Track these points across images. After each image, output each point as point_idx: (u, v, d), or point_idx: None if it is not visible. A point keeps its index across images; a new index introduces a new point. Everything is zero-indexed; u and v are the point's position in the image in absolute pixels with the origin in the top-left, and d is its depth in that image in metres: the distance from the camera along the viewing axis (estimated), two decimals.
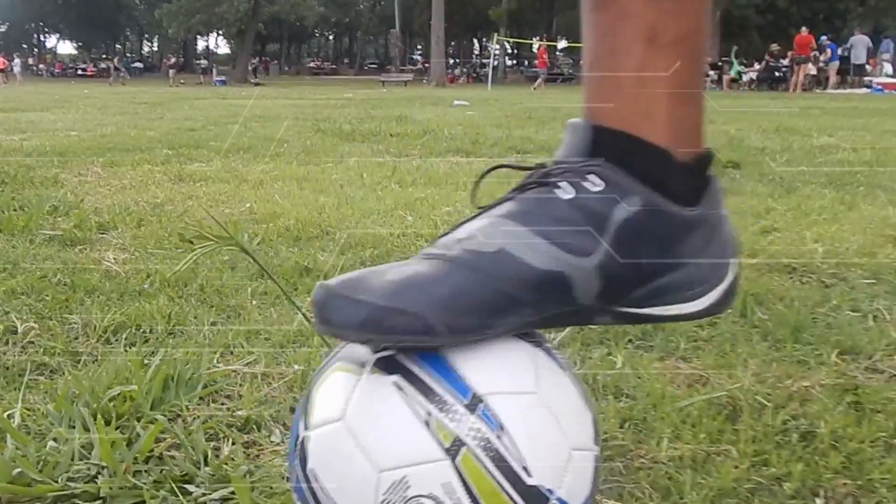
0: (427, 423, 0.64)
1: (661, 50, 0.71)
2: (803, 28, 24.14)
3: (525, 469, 0.65)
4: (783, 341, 1.42)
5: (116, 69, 37.80)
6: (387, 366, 0.67)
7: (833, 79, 23.53)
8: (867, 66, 24.28)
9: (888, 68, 24.67)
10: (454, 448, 0.64)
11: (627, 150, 0.71)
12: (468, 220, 0.73)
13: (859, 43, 24.12)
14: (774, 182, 3.36)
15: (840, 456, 0.99)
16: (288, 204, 2.71)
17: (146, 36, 78.65)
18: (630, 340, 1.43)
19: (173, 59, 37.89)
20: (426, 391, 0.66)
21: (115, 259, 1.94)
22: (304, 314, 1.41)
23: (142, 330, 1.47)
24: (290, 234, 2.24)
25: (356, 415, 0.66)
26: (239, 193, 2.99)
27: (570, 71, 38.90)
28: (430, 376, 0.67)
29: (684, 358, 1.36)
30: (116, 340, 1.41)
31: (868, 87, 21.83)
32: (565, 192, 0.71)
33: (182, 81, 34.40)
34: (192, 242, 2.18)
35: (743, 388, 1.18)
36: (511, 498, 0.64)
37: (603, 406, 1.14)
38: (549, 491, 0.65)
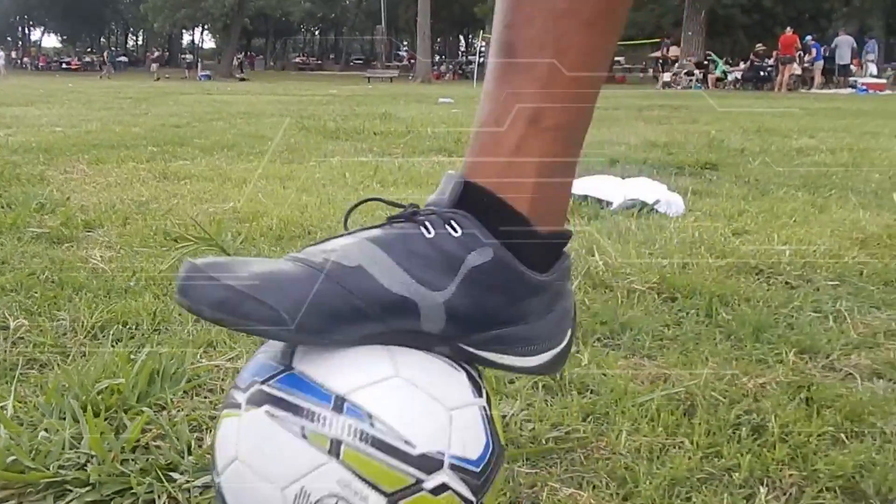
0: (304, 436, 0.71)
1: (541, 132, 0.78)
2: (788, 28, 24.31)
3: (407, 443, 0.71)
4: (744, 341, 1.48)
5: (105, 63, 37.69)
6: (257, 400, 0.74)
7: (818, 79, 23.71)
8: (852, 67, 24.47)
9: (872, 69, 24.89)
10: (334, 448, 0.71)
11: (491, 209, 0.78)
12: (337, 237, 0.79)
13: (844, 43, 24.31)
14: (749, 184, 3.44)
15: (788, 448, 1.06)
16: (271, 203, 2.75)
17: (131, 30, 78.28)
18: (598, 339, 1.49)
19: (157, 53, 37.71)
20: (294, 409, 0.72)
21: (101, 257, 1.98)
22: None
23: (128, 326, 1.51)
24: (273, 233, 2.29)
25: (247, 451, 0.74)
26: (223, 192, 3.04)
27: None
28: (293, 395, 0.73)
29: (649, 356, 1.42)
30: (104, 336, 1.46)
31: (853, 87, 22.02)
32: (427, 231, 0.77)
33: (167, 76, 34.28)
34: (176, 241, 2.24)
35: (701, 385, 1.24)
36: (404, 471, 0.71)
37: (567, 401, 1.20)
38: (440, 453, 0.72)
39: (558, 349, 0.83)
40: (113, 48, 65.51)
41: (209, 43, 76.43)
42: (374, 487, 0.70)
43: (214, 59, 53.40)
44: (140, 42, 79.34)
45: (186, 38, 76.40)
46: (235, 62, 40.57)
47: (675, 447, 1.07)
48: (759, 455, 1.04)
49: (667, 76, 24.90)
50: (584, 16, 0.76)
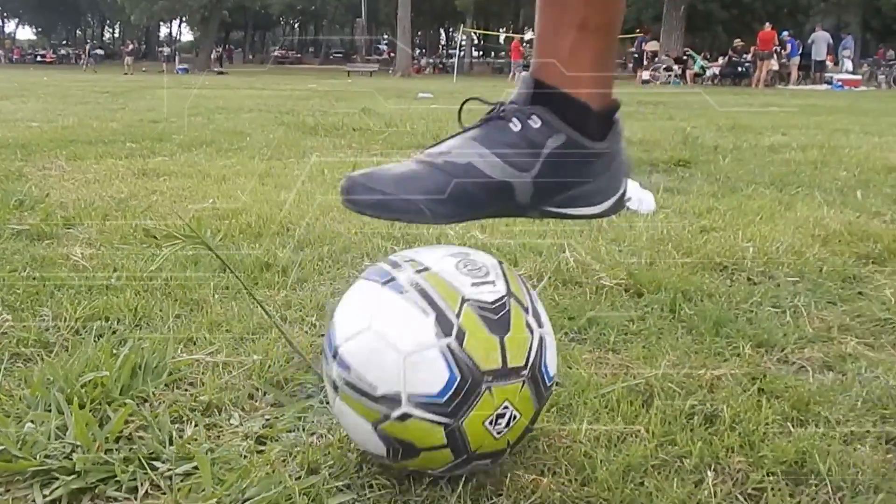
0: (325, 374, 1.01)
1: (588, 33, 1.02)
2: (767, 24, 24.49)
3: (371, 385, 0.93)
4: (705, 335, 1.55)
5: (88, 56, 37.41)
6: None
7: (794, 74, 23.92)
8: (827, 63, 24.69)
9: (848, 65, 25.14)
10: (335, 388, 0.98)
11: (559, 101, 1.02)
12: (449, 138, 1.05)
13: (820, 39, 24.52)
14: (720, 182, 3.51)
15: (737, 436, 1.12)
16: (250, 200, 2.80)
17: (108, 22, 77.50)
18: (565, 333, 1.55)
19: (130, 46, 37.37)
20: (325, 353, 1.01)
21: (82, 254, 2.02)
22: (264, 308, 1.51)
23: (109, 322, 1.56)
24: (252, 230, 2.33)
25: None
26: (202, 188, 3.07)
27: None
28: (327, 341, 1.01)
29: (613, 350, 1.48)
30: (86, 332, 1.50)
31: (829, 83, 22.24)
32: (515, 125, 1.03)
33: (143, 69, 34.01)
34: (155, 238, 2.27)
35: (659, 377, 1.31)
36: (374, 408, 0.93)
37: None
38: (397, 393, 0.92)
39: (617, 195, 1.08)
40: (89, 41, 64.92)
41: (187, 35, 75.90)
42: (362, 417, 0.95)
43: (192, 53, 53.03)
44: (117, 34, 78.61)
45: (164, 31, 75.86)
46: (214, 55, 40.29)
47: (632, 436, 1.13)
48: (709, 442, 1.10)
49: (646, 74, 25.01)
50: None
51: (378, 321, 0.95)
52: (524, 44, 27.69)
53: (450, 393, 0.91)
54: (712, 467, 1.05)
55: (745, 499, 1.00)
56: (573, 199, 1.05)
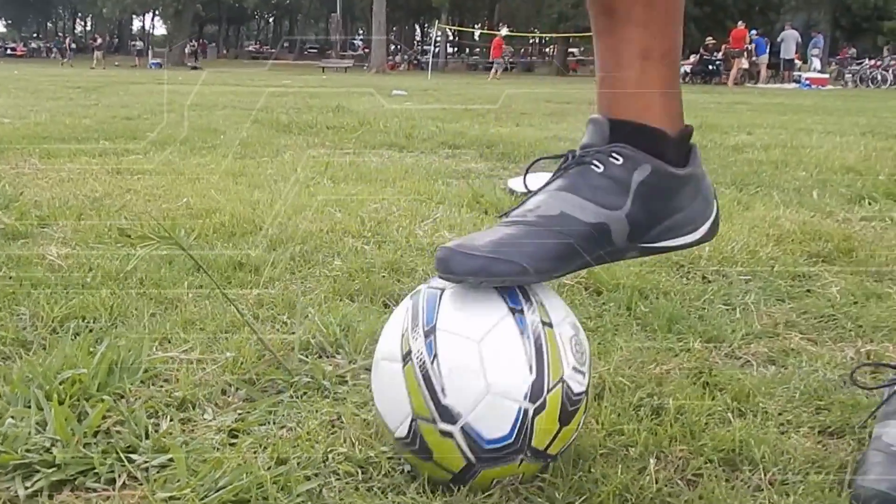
0: (403, 335, 1.01)
1: (653, 63, 1.04)
2: (740, 22, 24.75)
3: (443, 390, 0.96)
4: (658, 331, 1.63)
5: (68, 50, 36.99)
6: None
7: (764, 73, 24.21)
8: (796, 61, 25.01)
9: (816, 63, 25.47)
10: (406, 358, 1.00)
11: (636, 134, 1.04)
12: (531, 196, 1.06)
13: (789, 37, 24.83)
14: None
15: (680, 426, 1.20)
16: (223, 199, 2.84)
17: (79, 15, 76.69)
18: None
19: (99, 41, 37.04)
20: (413, 316, 1.02)
21: (57, 254, 2.06)
22: (236, 307, 1.57)
23: (86, 321, 1.61)
24: (226, 229, 2.39)
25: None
26: (176, 187, 3.12)
27: (511, 61, 39.29)
28: (423, 309, 1.02)
29: None
30: (63, 330, 1.55)
31: (797, 81, 22.53)
32: (597, 167, 1.03)
33: (116, 63, 33.71)
34: (130, 237, 2.32)
35: (611, 371, 1.39)
36: (430, 407, 0.97)
37: None
38: (459, 414, 0.96)
39: (711, 219, 1.10)
40: (60, 34, 64.20)
41: (160, 29, 75.26)
42: (410, 402, 0.98)
43: (166, 47, 52.64)
44: (89, 28, 77.81)
45: (137, 24, 75.21)
46: (188, 50, 40.02)
47: (584, 427, 1.21)
48: (654, 433, 1.18)
49: None
50: None
51: (487, 344, 0.97)
52: (505, 41, 27.82)
53: (499, 446, 0.97)
54: (655, 455, 1.13)
55: (684, 484, 1.07)
56: (668, 230, 1.06)
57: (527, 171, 1.12)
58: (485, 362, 0.96)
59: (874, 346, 1.60)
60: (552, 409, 0.98)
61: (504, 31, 39.48)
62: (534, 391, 0.97)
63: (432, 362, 0.97)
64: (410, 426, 0.99)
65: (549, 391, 0.98)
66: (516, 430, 0.97)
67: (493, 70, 26.42)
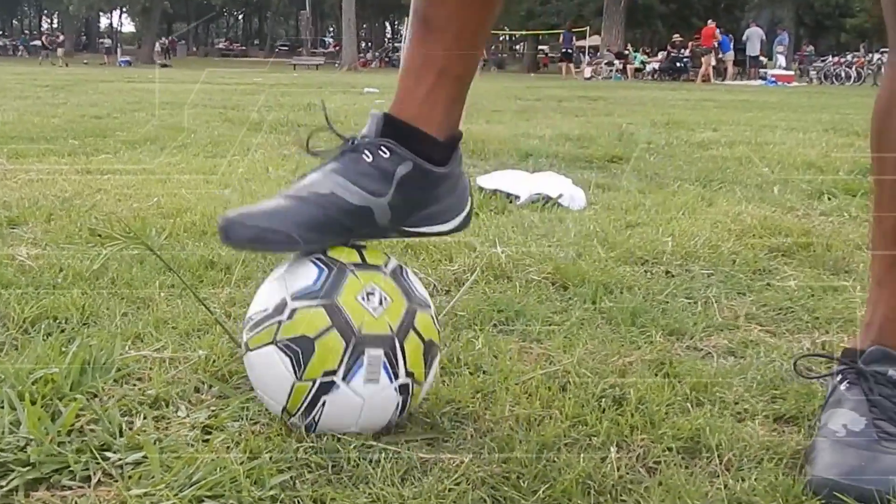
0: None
1: (446, 80, 1.18)
2: (710, 20, 25.02)
3: (264, 309, 1.16)
4: (621, 325, 1.67)
5: (47, 47, 36.40)
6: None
7: (731, 70, 24.48)
8: (761, 58, 25.31)
9: (781, 60, 25.79)
10: (247, 348, 1.19)
11: (407, 134, 1.17)
12: (308, 174, 1.19)
13: (754, 35, 25.14)
14: (649, 178, 3.67)
15: (640, 416, 1.24)
16: (194, 198, 2.85)
17: (45, 12, 75.64)
18: (494, 325, 1.67)
19: (61, 38, 36.61)
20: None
21: (27, 254, 2.07)
22: (206, 306, 1.59)
23: (58, 321, 1.62)
24: (197, 228, 2.40)
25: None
26: (146, 187, 3.12)
27: (483, 58, 39.25)
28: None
29: (537, 340, 1.60)
30: (35, 331, 1.56)
31: (763, 78, 22.81)
32: (367, 157, 1.16)
33: (84, 62, 33.30)
34: (100, 237, 2.33)
35: (575, 364, 1.43)
36: (270, 325, 1.14)
37: (460, 380, 1.37)
38: (283, 299, 1.14)
39: (464, 212, 1.26)
40: (25, 31, 63.29)
41: (129, 27, 74.45)
42: (266, 345, 1.14)
43: (135, 45, 52.06)
44: (55, 25, 76.75)
45: (104, 22, 74.33)
46: (159, 48, 39.63)
47: (548, 417, 1.24)
48: (616, 422, 1.22)
49: (588, 70, 25.38)
50: None
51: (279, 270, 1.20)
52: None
53: (321, 280, 1.13)
54: (617, 444, 1.17)
55: (645, 471, 1.11)
56: (425, 218, 1.21)
57: (307, 141, 1.24)
58: (271, 277, 1.21)
59: (830, 336, 1.65)
60: (336, 250, 1.18)
61: None
62: (316, 255, 1.19)
63: (251, 318, 1.18)
64: (282, 350, 1.13)
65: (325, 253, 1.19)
66: (321, 265, 1.16)
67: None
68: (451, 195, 1.23)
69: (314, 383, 1.12)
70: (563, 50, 27.71)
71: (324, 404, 1.13)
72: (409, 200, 1.18)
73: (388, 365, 1.13)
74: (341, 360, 1.11)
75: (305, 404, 1.14)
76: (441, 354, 1.33)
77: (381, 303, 1.14)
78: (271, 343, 1.13)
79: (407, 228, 1.21)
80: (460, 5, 1.16)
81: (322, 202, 1.13)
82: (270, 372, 1.15)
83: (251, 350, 1.17)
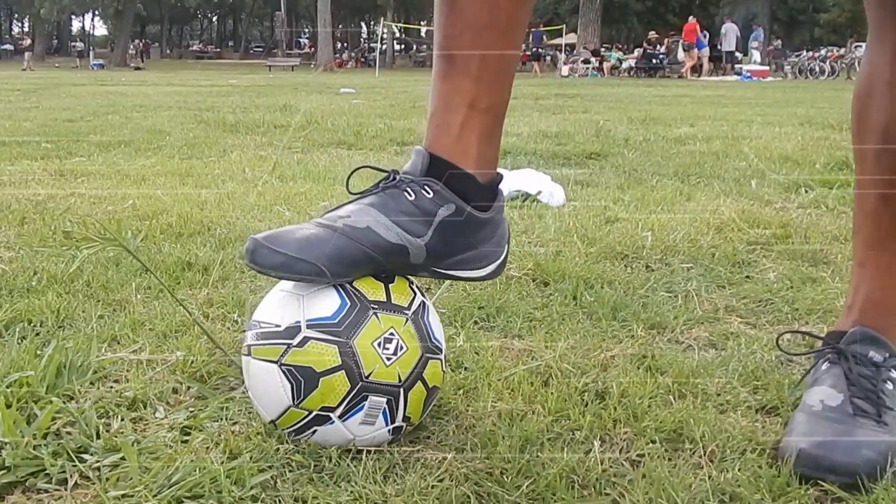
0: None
1: (477, 113, 1.14)
2: (690, 17, 25.21)
3: (276, 325, 1.11)
4: (602, 319, 1.67)
5: (29, 50, 36.03)
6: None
7: (706, 66, 24.65)
8: (737, 54, 25.52)
9: (756, 56, 26.01)
10: (248, 352, 1.14)
11: (449, 174, 1.13)
12: (347, 203, 1.15)
13: (730, 31, 25.35)
14: (628, 174, 3.67)
15: (623, 409, 1.24)
16: (170, 200, 2.83)
17: (16, 16, 74.81)
18: (475, 322, 1.66)
19: (28, 41, 36.26)
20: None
21: (0, 258, 2.04)
22: (185, 307, 1.57)
23: (33, 324, 1.60)
24: (173, 230, 2.38)
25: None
26: (122, 189, 3.09)
27: None
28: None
29: (519, 336, 1.59)
30: (9, 334, 1.54)
31: (738, 74, 23.00)
32: (409, 195, 1.12)
33: (56, 65, 32.96)
34: (75, 239, 2.30)
35: (557, 359, 1.42)
36: (277, 344, 1.10)
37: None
38: (297, 322, 1.10)
39: (499, 260, 1.21)
40: (27, 37, 62.62)
41: (101, 30, 73.81)
42: (268, 360, 1.10)
43: (107, 47, 51.61)
44: (26, 29, 75.93)
45: (76, 25, 73.67)
46: (133, 51, 39.29)
47: (531, 413, 1.24)
48: (599, 416, 1.22)
49: (565, 69, 25.50)
50: (500, 28, 1.12)
51: (279, 287, 1.17)
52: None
53: (341, 315, 1.09)
54: (600, 437, 1.17)
55: (628, 464, 1.11)
56: (461, 262, 1.17)
57: (348, 178, 1.21)
58: (289, 288, 1.15)
59: (809, 327, 1.66)
60: (362, 279, 1.14)
61: None
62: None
63: (259, 326, 1.14)
64: (285, 373, 1.09)
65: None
66: (345, 296, 1.11)
67: None
68: (489, 241, 1.18)
69: (310, 413, 1.10)
70: (533, 49, 27.85)
71: (314, 432, 1.11)
72: (447, 243, 1.14)
73: (387, 411, 1.11)
74: (342, 401, 1.08)
75: (296, 427, 1.12)
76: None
77: (396, 352, 1.10)
78: (276, 363, 1.10)
79: (440, 270, 1.16)
80: (479, 38, 1.11)
81: (356, 236, 1.09)
82: (268, 389, 1.11)
83: (254, 358, 1.13)
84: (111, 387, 1.33)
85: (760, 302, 1.81)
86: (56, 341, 1.47)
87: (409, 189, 1.12)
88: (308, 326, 1.08)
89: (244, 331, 1.23)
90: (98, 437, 1.15)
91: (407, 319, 1.12)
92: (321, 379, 1.07)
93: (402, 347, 1.10)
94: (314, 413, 1.10)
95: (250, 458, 1.09)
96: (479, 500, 1.02)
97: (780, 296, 1.84)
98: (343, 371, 1.07)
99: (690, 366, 1.41)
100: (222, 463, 1.07)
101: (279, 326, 1.10)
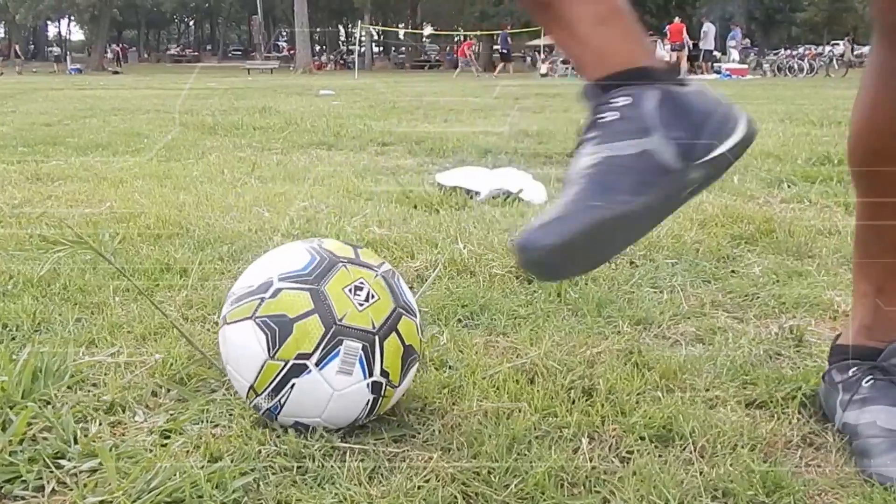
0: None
1: (609, 22, 1.04)
2: (676, 17, 25.35)
3: (249, 286, 1.17)
4: (587, 316, 1.65)
5: (17, 55, 35.80)
6: None
7: (684, 65, 24.77)
8: (715, 53, 25.67)
9: (735, 55, 26.16)
10: (225, 321, 1.18)
11: (625, 76, 1.02)
12: (579, 156, 1.03)
13: (709, 30, 25.49)
14: None
15: (611, 406, 1.22)
16: (148, 202, 2.79)
17: None
18: (459, 320, 1.64)
19: (16, 47, 36.08)
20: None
21: None
22: (161, 310, 1.54)
23: (8, 328, 1.56)
24: (151, 232, 2.34)
25: None
26: (99, 192, 3.04)
27: (437, 57, 39.41)
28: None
29: (503, 333, 1.57)
30: None
31: (717, 72, 23.13)
32: (613, 114, 1.01)
33: (34, 70, 32.65)
34: (52, 243, 2.26)
35: (542, 356, 1.40)
36: (252, 300, 1.14)
37: (427, 376, 1.34)
38: (269, 278, 1.15)
39: (741, 113, 1.06)
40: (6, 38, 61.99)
41: (78, 34, 73.24)
42: (244, 319, 1.13)
43: (84, 52, 51.22)
44: (2, 34, 75.25)
45: (53, 30, 73.08)
46: (110, 55, 38.99)
47: (517, 411, 1.22)
48: (587, 413, 1.20)
49: (544, 68, 25.62)
50: None
51: (270, 257, 1.22)
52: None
53: (311, 266, 1.14)
54: (588, 435, 1.15)
55: (618, 461, 1.09)
56: (712, 134, 1.02)
57: (578, 131, 1.09)
58: (262, 260, 1.24)
59: (796, 321, 1.65)
60: (332, 243, 1.22)
61: (428, 30, 39.56)
62: (309, 244, 1.22)
63: (234, 292, 1.19)
64: (260, 326, 1.11)
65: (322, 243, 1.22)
66: (315, 254, 1.18)
67: (458, 67, 27.24)
68: (716, 105, 1.04)
69: (286, 364, 1.09)
70: (502, 51, 28.20)
71: (292, 387, 1.10)
72: (680, 125, 1.01)
73: (364, 359, 1.10)
74: (318, 346, 1.09)
75: (274, 384, 1.11)
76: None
77: (367, 299, 1.12)
78: (250, 318, 1.12)
79: (702, 160, 1.01)
80: None
81: (603, 170, 0.99)
82: (244, 347, 1.12)
83: (228, 324, 1.15)
84: (89, 391, 1.30)
85: (746, 296, 1.80)
86: (32, 345, 1.43)
87: (607, 113, 1.02)
88: (280, 279, 1.13)
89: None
90: (75, 442, 1.12)
91: (377, 275, 1.16)
92: (295, 324, 1.09)
93: (373, 296, 1.13)
94: (290, 363, 1.09)
95: (232, 460, 1.07)
96: (466, 501, 1.00)
97: (766, 290, 1.83)
98: (317, 314, 1.09)
99: (678, 361, 1.40)
100: (203, 466, 1.05)
101: (251, 286, 1.14)
